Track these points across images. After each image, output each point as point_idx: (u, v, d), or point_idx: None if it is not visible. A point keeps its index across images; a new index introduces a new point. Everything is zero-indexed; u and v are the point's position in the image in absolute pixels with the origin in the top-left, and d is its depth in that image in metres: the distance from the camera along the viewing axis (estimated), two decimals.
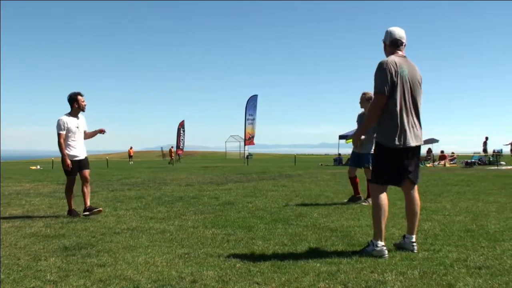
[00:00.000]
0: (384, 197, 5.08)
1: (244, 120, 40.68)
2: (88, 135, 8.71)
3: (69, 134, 8.25)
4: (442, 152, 36.23)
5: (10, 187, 15.18)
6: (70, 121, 8.27)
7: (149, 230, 6.69)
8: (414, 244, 5.14)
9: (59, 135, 8.20)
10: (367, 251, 4.97)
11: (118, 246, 5.59)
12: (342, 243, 5.60)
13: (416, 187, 5.27)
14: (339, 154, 41.11)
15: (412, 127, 5.05)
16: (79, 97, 8.34)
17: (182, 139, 54.71)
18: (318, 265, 4.57)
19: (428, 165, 32.42)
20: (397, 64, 4.98)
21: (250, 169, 28.60)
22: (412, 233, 5.19)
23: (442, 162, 33.13)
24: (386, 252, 4.93)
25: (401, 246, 5.20)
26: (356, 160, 9.68)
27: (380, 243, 4.94)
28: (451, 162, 33.55)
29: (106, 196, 11.57)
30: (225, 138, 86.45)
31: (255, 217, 7.79)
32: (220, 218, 7.75)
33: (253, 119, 41.36)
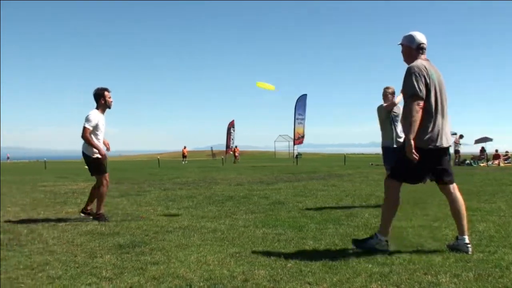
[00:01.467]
0: (399, 194, 5.23)
1: (293, 120, 40.62)
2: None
3: (97, 132, 7.80)
4: (496, 151, 35.27)
5: (66, 186, 15.66)
6: (101, 118, 7.85)
7: (201, 229, 6.79)
8: (469, 245, 5.06)
9: (85, 129, 7.64)
10: (371, 243, 5.19)
11: (171, 244, 5.70)
12: (393, 244, 5.54)
13: (455, 186, 5.24)
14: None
15: (443, 128, 5.12)
16: (106, 92, 7.85)
17: (232, 139, 55.03)
18: (369, 266, 4.54)
19: (481, 164, 31.61)
20: (427, 68, 5.06)
21: (299, 168, 28.55)
22: (463, 234, 5.12)
23: (496, 162, 32.26)
24: (387, 246, 5.17)
25: (455, 247, 5.11)
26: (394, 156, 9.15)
27: (384, 239, 5.18)
28: (506, 162, 32.62)
29: (158, 195, 11.79)
30: (274, 137, 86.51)
31: (306, 217, 7.79)
32: (270, 217, 7.78)
33: (303, 119, 41.22)
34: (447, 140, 5.15)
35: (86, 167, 8.03)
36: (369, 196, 10.78)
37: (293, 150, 48.60)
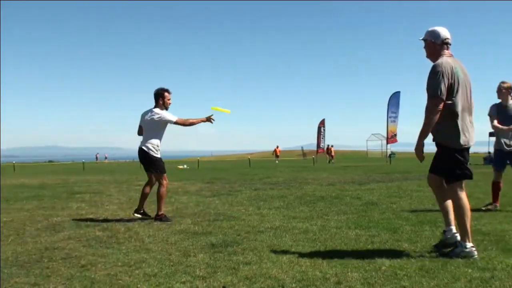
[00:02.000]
0: (464, 196, 5.24)
1: (386, 118, 39.86)
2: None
3: (163, 132, 8.06)
4: None
5: None
6: None
7: (292, 229, 6.78)
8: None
9: (176, 122, 7.90)
10: (456, 252, 4.94)
11: (263, 244, 5.73)
12: (495, 247, 5.29)
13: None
14: (489, 153, 38.79)
15: (471, 126, 5.09)
16: (166, 93, 8.01)
17: (322, 138, 54.73)
18: (469, 270, 4.35)
19: None
20: (453, 66, 4.95)
21: (393, 168, 27.96)
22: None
23: None
24: (476, 253, 4.90)
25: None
26: (503, 160, 8.61)
27: (469, 244, 4.96)
28: None
29: (249, 195, 11.91)
30: (366, 136, 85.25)
31: (400, 218, 7.60)
32: (363, 218, 7.66)
33: (396, 117, 40.37)
34: (473, 139, 5.13)
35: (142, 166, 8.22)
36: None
37: (386, 149, 47.72)
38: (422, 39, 5.24)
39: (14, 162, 51.26)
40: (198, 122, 8.02)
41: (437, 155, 5.23)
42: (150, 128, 7.97)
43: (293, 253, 5.23)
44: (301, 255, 5.12)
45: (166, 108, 8.03)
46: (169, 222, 7.59)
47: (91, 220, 8.06)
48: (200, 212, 8.82)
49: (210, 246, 5.69)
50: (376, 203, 9.59)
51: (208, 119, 7.94)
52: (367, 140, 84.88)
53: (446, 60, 4.97)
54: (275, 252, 5.31)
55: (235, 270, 4.55)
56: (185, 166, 42.16)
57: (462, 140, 4.99)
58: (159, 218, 7.82)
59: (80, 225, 7.52)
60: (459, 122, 4.97)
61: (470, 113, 5.11)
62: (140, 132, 8.16)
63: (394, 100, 40.50)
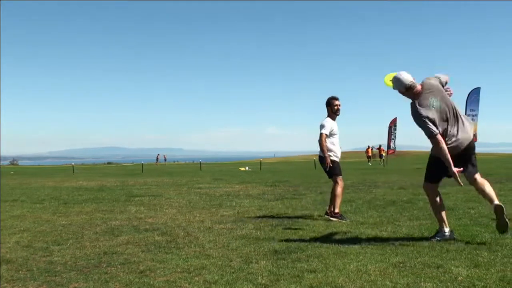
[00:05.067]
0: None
1: None
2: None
3: (332, 138, 8.79)
4: None
5: (220, 189, 16.34)
6: (333, 124, 8.81)
7: (360, 235, 6.71)
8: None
9: (321, 135, 8.68)
10: (437, 237, 6.24)
11: (328, 251, 5.69)
12: None
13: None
14: None
15: (459, 133, 6.02)
16: (333, 101, 8.81)
17: (393, 139, 53.82)
18: None
19: None
20: (424, 103, 5.95)
21: None
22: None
23: None
24: (453, 235, 6.30)
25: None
26: None
27: (446, 229, 6.29)
28: None
29: (314, 199, 11.87)
30: None
31: (479, 225, 7.38)
32: (437, 225, 7.48)
33: (475, 115, 39.28)
34: (466, 140, 6.05)
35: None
36: None
37: None
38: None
39: (73, 163, 52.99)
40: (323, 151, 8.69)
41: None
42: None
43: (361, 261, 5.17)
44: (370, 263, 5.06)
45: (336, 114, 8.88)
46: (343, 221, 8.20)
47: (150, 224, 8.24)
48: (262, 217, 8.86)
49: (273, 253, 5.70)
50: (452, 208, 9.35)
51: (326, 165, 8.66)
52: None
53: (419, 101, 5.99)
54: (341, 259, 5.26)
55: (299, 278, 4.55)
56: (247, 168, 42.41)
57: (456, 148, 6.00)
58: (335, 216, 8.46)
59: (138, 229, 7.70)
60: (451, 137, 5.98)
61: (458, 121, 6.06)
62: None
63: (474, 97, 39.40)
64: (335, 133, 8.76)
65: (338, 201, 8.58)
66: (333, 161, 8.64)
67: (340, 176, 8.75)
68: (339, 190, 8.62)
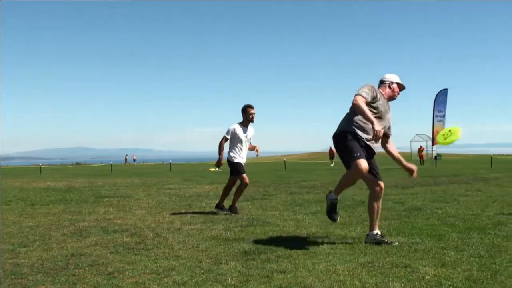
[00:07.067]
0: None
1: (432, 117, 39.36)
2: (249, 147, 10.08)
3: (235, 141, 9.78)
4: None
5: (190, 189, 16.33)
6: (241, 130, 9.76)
7: (329, 236, 6.76)
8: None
9: (223, 137, 9.81)
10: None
11: (298, 252, 5.71)
12: None
13: None
14: None
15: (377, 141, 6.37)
16: (248, 109, 9.75)
17: None
18: None
19: None
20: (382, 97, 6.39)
21: (438, 171, 27.62)
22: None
23: None
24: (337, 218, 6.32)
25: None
26: None
27: (335, 196, 6.30)
28: None
29: (284, 199, 11.92)
30: (410, 137, 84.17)
31: (446, 224, 7.50)
32: (406, 225, 7.58)
33: (443, 116, 39.84)
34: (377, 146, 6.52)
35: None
36: None
37: (432, 150, 47.09)
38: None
39: (40, 164, 52.22)
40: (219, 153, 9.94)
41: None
42: None
43: (330, 261, 5.20)
44: (339, 263, 5.09)
45: (251, 121, 9.83)
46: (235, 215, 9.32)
47: (119, 225, 8.17)
48: (232, 218, 8.86)
49: (243, 253, 5.69)
50: (420, 209, 9.48)
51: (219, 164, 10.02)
52: (411, 141, 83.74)
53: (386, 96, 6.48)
54: (311, 259, 5.28)
55: (268, 279, 4.55)
56: (217, 169, 42.28)
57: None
58: (231, 209, 9.77)
59: (107, 230, 7.62)
60: None
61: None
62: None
63: (441, 98, 39.96)
64: (242, 138, 9.72)
65: (239, 196, 10.01)
66: (237, 163, 9.77)
67: (245, 174, 9.83)
68: (241, 187, 9.94)
